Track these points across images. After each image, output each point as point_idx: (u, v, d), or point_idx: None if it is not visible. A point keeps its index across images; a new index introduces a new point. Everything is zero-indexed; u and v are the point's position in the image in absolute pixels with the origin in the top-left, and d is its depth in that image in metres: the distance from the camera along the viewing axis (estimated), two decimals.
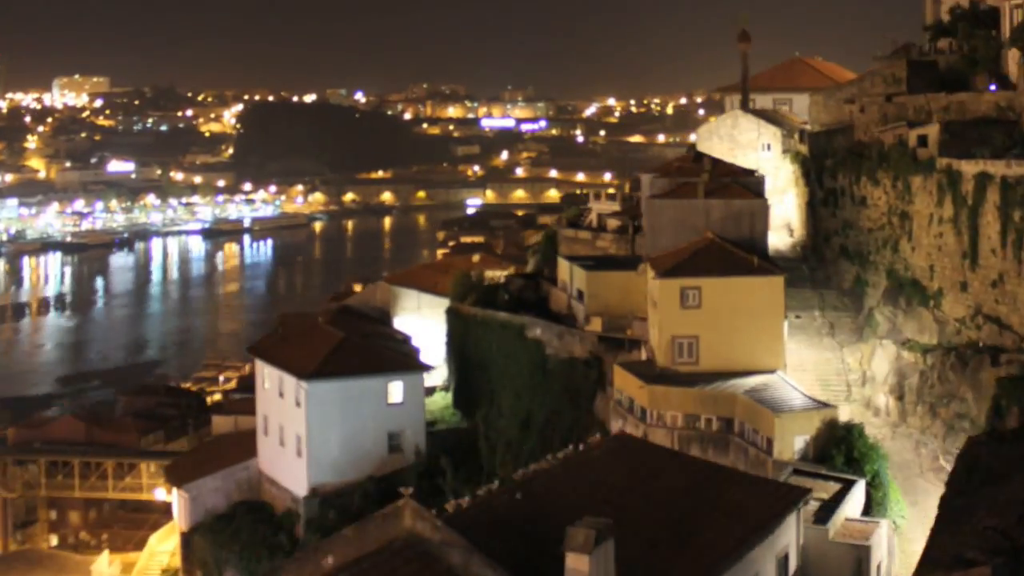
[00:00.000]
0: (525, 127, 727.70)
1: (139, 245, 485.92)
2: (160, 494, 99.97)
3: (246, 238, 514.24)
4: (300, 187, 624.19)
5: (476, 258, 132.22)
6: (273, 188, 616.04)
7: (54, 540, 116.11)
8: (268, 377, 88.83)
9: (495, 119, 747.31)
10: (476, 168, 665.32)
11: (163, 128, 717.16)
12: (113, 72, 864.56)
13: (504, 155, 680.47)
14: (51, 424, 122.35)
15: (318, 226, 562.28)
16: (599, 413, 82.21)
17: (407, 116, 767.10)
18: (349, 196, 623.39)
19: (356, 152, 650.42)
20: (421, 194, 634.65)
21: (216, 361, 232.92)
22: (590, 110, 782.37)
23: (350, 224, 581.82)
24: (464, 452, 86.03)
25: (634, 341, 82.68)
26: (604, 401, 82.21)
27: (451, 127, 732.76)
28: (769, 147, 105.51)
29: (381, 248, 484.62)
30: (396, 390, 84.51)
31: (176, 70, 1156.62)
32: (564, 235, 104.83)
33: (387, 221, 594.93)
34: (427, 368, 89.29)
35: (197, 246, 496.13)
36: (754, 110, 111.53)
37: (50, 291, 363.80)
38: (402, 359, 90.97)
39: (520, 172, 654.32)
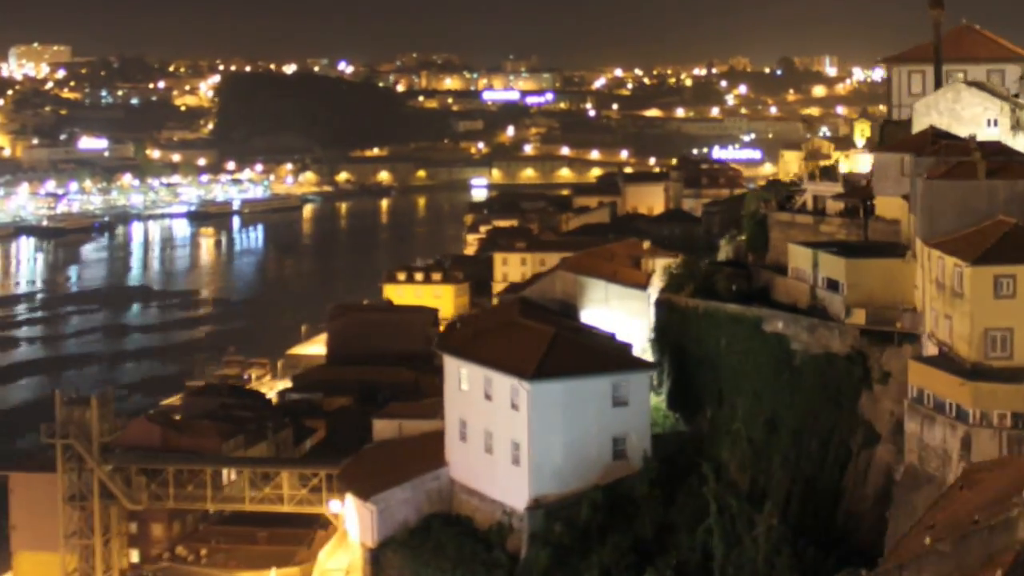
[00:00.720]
0: (531, 100, 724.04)
1: (120, 229, 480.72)
2: (335, 506, 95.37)
3: (235, 221, 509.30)
4: (289, 166, 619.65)
5: (647, 245, 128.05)
6: (259, 167, 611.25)
7: (135, 555, 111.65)
8: (467, 377, 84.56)
9: (497, 92, 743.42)
10: (480, 145, 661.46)
11: (134, 101, 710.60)
12: (74, 40, 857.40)
13: (510, 131, 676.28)
14: (126, 431, 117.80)
15: (308, 209, 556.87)
16: (865, 413, 78.60)
17: (400, 88, 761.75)
18: (343, 176, 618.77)
19: (348, 127, 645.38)
20: (421, 173, 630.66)
21: (238, 358, 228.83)
22: (600, 82, 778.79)
23: (343, 207, 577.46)
24: (689, 456, 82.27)
25: (905, 334, 78.87)
26: (871, 400, 78.44)
27: (450, 100, 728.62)
28: (995, 123, 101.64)
29: (407, 232, 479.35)
30: (622, 390, 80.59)
31: (142, 39, 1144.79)
32: (777, 219, 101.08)
33: (384, 203, 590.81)
34: (652, 366, 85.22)
35: (182, 230, 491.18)
36: (974, 83, 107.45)
37: (33, 280, 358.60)
38: (624, 356, 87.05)
39: (529, 150, 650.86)
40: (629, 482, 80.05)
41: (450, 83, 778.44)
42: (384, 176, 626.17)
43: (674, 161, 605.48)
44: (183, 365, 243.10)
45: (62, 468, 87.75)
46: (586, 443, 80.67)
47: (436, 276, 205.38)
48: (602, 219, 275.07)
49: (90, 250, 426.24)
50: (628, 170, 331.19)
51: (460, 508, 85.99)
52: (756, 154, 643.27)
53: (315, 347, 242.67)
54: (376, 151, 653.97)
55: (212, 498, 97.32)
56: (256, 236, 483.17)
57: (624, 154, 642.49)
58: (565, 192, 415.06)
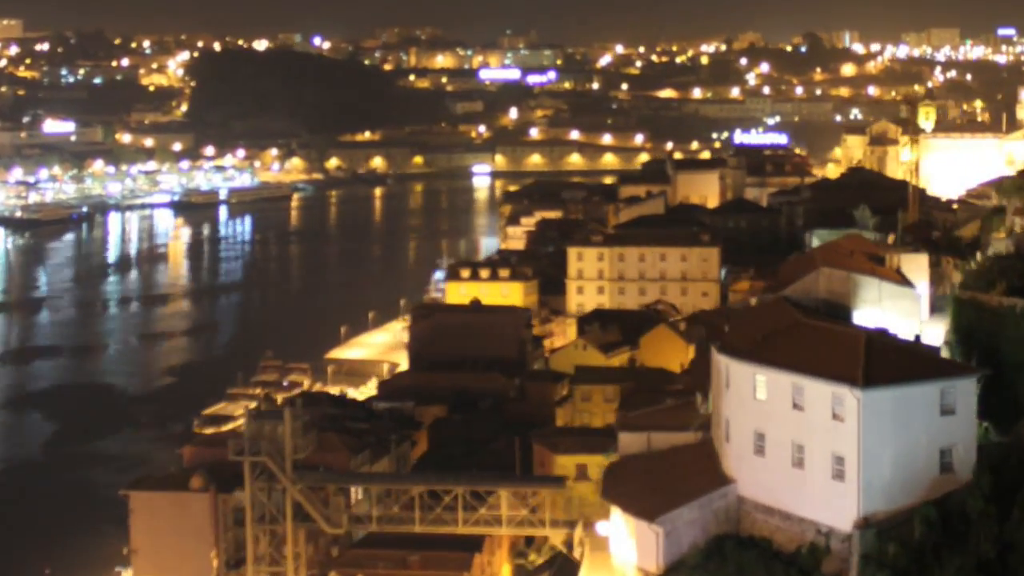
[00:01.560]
0: (532, 80, 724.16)
1: (98, 220, 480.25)
2: (602, 528, 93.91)
3: (222, 211, 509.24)
4: (274, 151, 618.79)
5: (891, 238, 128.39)
6: (241, 152, 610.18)
7: None
8: (765, 385, 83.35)
9: (494, 70, 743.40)
10: (481, 129, 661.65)
11: (97, 81, 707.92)
12: (25, 13, 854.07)
13: (513, 113, 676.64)
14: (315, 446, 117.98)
15: (296, 198, 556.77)
16: None
17: (387, 67, 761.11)
18: (333, 162, 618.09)
19: (335, 110, 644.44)
20: (417, 160, 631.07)
21: (276, 362, 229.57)
22: (605, 59, 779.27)
23: (334, 195, 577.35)
24: (1016, 469, 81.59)
25: None
26: None
27: (443, 80, 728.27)
28: None
29: (430, 224, 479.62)
30: (949, 397, 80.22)
31: (98, 12, 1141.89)
32: None
33: (378, 192, 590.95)
34: (978, 371, 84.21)
35: (165, 221, 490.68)
36: None
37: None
38: (946, 361, 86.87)
39: (535, 134, 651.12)
40: (958, 497, 79.52)
41: (442, 61, 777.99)
42: (378, 162, 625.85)
43: (717, 145, 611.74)
44: (216, 370, 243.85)
45: (250, 488, 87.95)
46: (914, 456, 79.58)
47: (503, 273, 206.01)
48: (655, 210, 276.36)
49: (70, 242, 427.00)
50: (676, 155, 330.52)
51: (752, 528, 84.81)
52: (782, 139, 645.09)
53: (357, 350, 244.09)
54: (367, 135, 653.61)
55: (421, 520, 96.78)
56: (244, 227, 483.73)
57: (639, 139, 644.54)
58: (607, 180, 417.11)
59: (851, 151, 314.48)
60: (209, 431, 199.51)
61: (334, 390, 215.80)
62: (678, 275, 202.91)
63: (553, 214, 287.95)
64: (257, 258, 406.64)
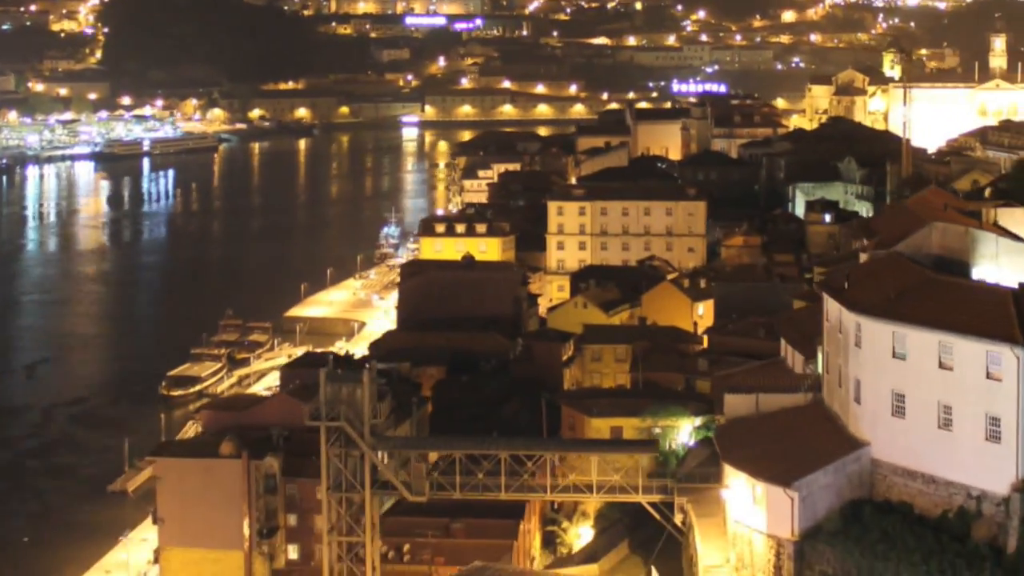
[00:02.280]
0: (459, 26, 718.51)
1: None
2: (725, 493, 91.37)
3: (145, 163, 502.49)
4: (194, 101, 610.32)
5: (988, 192, 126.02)
6: (160, 102, 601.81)
7: (292, 552, 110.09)
8: (907, 344, 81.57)
9: (420, 16, 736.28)
10: (409, 78, 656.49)
11: (5, 27, 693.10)
12: None
13: (441, 61, 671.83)
14: (258, 407, 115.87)
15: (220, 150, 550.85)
16: None
17: (307, 12, 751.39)
18: (256, 112, 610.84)
19: (257, 58, 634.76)
20: (344, 110, 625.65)
21: (236, 321, 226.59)
22: (534, 4, 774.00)
23: (255, 147, 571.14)
24: None
25: None
26: None
27: (367, 26, 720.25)
28: None
29: (371, 177, 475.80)
30: None
31: None
32: None
33: (302, 144, 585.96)
34: None
35: (86, 174, 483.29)
36: None
37: None
38: None
39: (466, 83, 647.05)
40: None
41: (364, 6, 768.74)
42: (303, 112, 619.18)
43: (654, 95, 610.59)
44: (176, 331, 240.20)
45: (326, 454, 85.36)
46: None
47: (480, 228, 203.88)
48: (619, 162, 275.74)
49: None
50: (632, 106, 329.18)
51: (889, 492, 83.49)
52: (721, 88, 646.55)
53: (315, 308, 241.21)
54: (291, 84, 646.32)
55: (507, 487, 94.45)
56: (169, 180, 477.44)
57: (573, 88, 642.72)
58: (542, 131, 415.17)
59: (816, 101, 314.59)
60: (176, 393, 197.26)
61: (300, 350, 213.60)
62: (663, 230, 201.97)
63: (510, 166, 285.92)
64: (192, 214, 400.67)
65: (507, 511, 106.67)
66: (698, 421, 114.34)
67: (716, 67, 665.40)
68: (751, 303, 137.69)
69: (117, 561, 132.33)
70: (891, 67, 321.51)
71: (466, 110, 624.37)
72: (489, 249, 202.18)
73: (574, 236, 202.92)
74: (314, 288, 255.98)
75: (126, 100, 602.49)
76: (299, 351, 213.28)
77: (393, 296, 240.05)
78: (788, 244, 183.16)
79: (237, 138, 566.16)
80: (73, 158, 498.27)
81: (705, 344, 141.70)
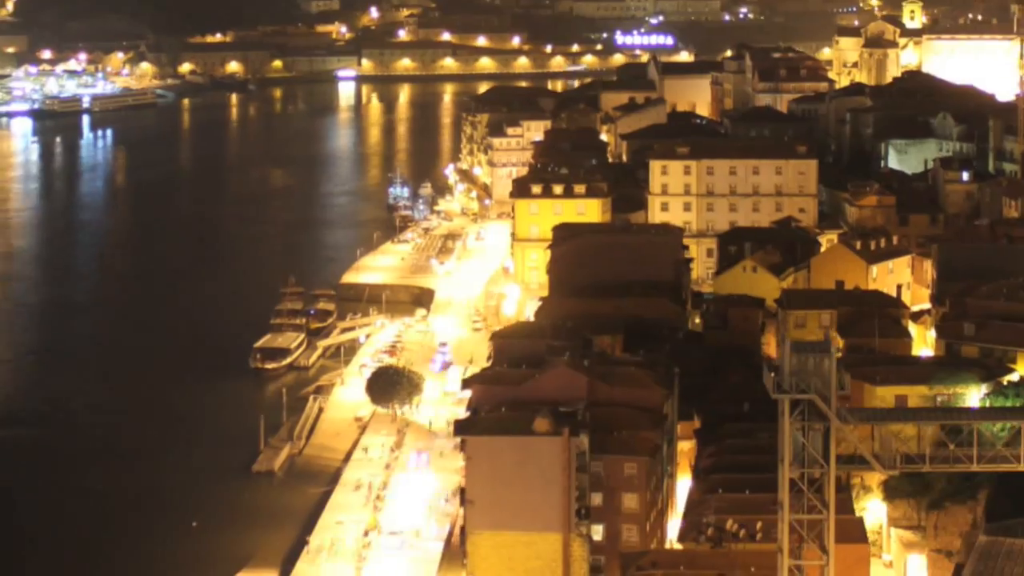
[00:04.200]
0: None
1: None
2: None
3: (85, 121, 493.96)
4: (120, 55, 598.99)
5: None
6: (83, 56, 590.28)
7: (597, 533, 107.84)
8: None
9: None
10: (343, 30, 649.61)
11: None
12: None
13: (374, 12, 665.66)
14: (534, 381, 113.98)
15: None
16: None
17: None
18: (187, 66, 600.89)
19: (182, 9, 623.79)
20: (277, 64, 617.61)
21: (297, 290, 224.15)
22: None
23: (186, 103, 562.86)
24: None
25: None
26: None
27: None
28: None
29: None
30: None
31: None
32: None
33: (234, 98, 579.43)
34: None
35: (22, 132, 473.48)
36: None
37: None
38: None
39: (403, 35, 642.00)
40: None
41: None
42: (235, 67, 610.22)
43: (599, 48, 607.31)
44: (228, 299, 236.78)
45: (788, 428, 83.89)
46: None
47: (579, 189, 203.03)
48: (657, 119, 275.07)
49: None
50: (656, 59, 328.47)
51: None
52: (667, 40, 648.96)
53: (369, 274, 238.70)
54: (219, 36, 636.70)
55: (978, 458, 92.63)
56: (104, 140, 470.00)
57: (516, 40, 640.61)
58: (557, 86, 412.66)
59: (844, 54, 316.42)
60: (271, 366, 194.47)
61: (378, 319, 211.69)
62: (772, 190, 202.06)
63: (537, 123, 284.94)
64: (181, 177, 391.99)
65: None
66: (985, 388, 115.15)
67: (661, 18, 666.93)
68: (978, 266, 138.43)
69: (319, 545, 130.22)
70: (911, 18, 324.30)
71: (405, 64, 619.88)
72: (588, 211, 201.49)
73: (679, 197, 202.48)
74: (348, 255, 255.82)
75: (47, 54, 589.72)
76: (376, 320, 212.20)
77: (451, 261, 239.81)
78: (921, 204, 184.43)
79: (173, 94, 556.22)
80: (9, 115, 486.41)
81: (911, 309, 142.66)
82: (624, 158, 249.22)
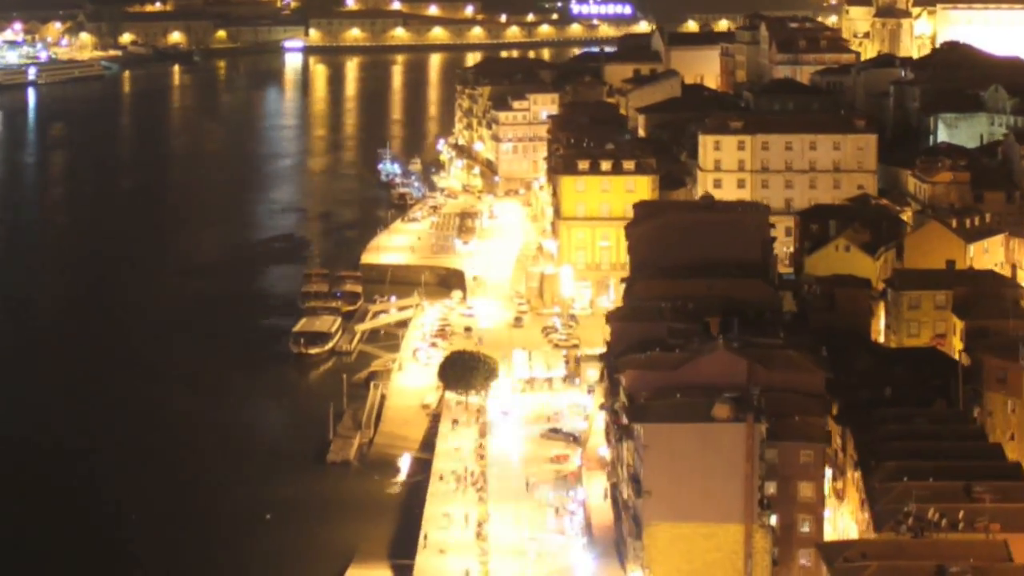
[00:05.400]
0: None
1: None
2: None
3: (30, 93, 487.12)
4: (58, 25, 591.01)
5: None
6: (19, 25, 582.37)
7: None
8: None
9: None
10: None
11: None
12: None
13: None
14: (692, 365, 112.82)
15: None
16: None
17: None
18: (127, 37, 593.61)
19: None
20: (221, 34, 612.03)
21: (322, 271, 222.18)
22: None
23: (126, 75, 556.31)
24: None
25: None
26: None
27: None
28: None
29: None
30: None
31: None
32: None
33: (172, 71, 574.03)
34: None
35: None
36: None
37: None
38: None
39: (352, 3, 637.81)
40: None
41: None
42: (177, 37, 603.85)
43: (554, 16, 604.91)
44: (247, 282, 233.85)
45: None
46: None
47: (628, 165, 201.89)
48: (671, 92, 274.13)
49: None
50: (662, 30, 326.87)
51: None
52: (626, 9, 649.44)
53: (392, 255, 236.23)
54: (159, 6, 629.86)
55: None
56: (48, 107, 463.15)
57: (470, 9, 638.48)
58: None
59: (855, 24, 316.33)
60: (314, 350, 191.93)
61: (410, 300, 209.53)
62: (830, 165, 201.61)
63: (542, 96, 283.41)
64: (166, 154, 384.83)
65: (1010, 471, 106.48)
66: None
67: None
68: None
69: (437, 541, 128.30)
70: None
71: (355, 34, 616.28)
72: (638, 188, 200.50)
73: (732, 173, 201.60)
74: (353, 235, 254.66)
75: None
76: (409, 302, 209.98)
77: (474, 242, 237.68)
78: (995, 180, 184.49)
79: (117, 66, 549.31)
80: None
81: None
82: (641, 132, 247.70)
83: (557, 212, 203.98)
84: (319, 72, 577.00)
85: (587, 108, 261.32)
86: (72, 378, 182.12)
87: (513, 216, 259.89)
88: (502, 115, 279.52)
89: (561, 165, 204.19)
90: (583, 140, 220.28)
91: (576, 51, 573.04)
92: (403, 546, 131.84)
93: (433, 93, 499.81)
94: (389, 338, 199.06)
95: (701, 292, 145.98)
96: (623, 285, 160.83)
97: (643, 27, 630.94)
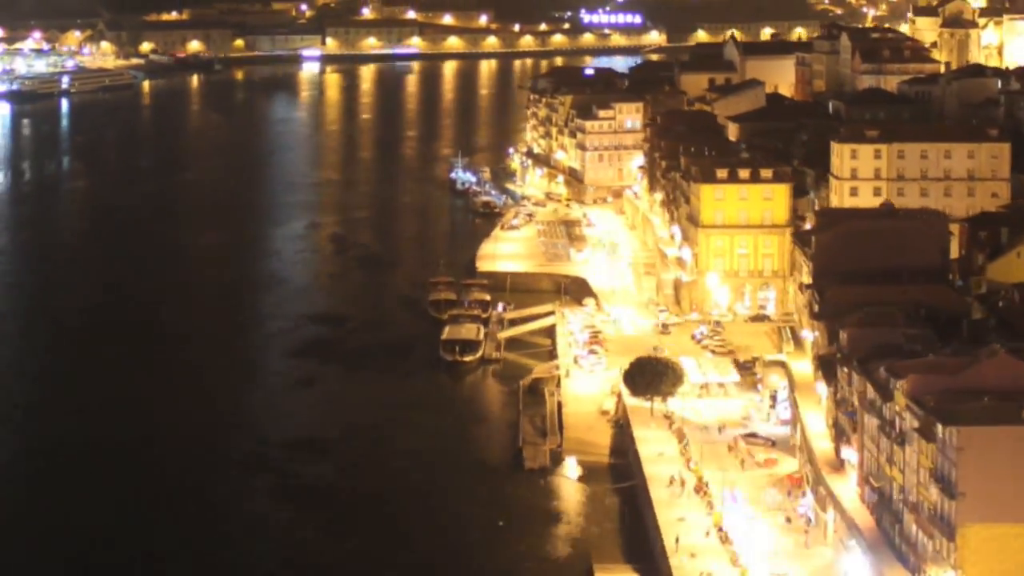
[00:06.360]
0: None
1: None
2: None
3: (63, 102, 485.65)
4: (77, 33, 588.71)
5: None
6: (38, 34, 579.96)
7: None
8: None
9: None
10: (303, 8, 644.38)
11: None
12: None
13: None
14: (973, 369, 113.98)
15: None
16: None
17: None
18: (146, 45, 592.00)
19: None
20: (239, 43, 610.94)
21: (446, 279, 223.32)
22: None
23: (149, 84, 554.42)
24: None
25: None
26: None
27: None
28: None
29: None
30: None
31: None
32: None
33: (192, 80, 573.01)
34: None
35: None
36: None
37: None
38: None
39: (367, 13, 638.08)
40: None
41: None
42: (196, 46, 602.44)
43: (566, 26, 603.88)
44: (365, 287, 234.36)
45: None
46: None
47: (765, 173, 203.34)
48: (756, 102, 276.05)
49: None
50: (735, 39, 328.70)
51: None
52: (636, 19, 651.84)
53: (505, 263, 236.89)
54: (175, 14, 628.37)
55: None
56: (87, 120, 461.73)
57: (483, 19, 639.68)
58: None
59: (922, 35, 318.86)
60: (468, 358, 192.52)
61: (543, 308, 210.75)
62: (963, 174, 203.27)
63: (628, 106, 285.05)
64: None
65: None
66: None
67: None
68: None
69: (687, 545, 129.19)
70: None
71: (371, 43, 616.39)
72: (776, 196, 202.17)
73: (868, 181, 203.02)
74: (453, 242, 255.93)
75: None
76: (539, 309, 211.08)
77: (588, 249, 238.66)
78: None
79: (143, 74, 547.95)
80: None
81: None
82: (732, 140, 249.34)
83: (693, 220, 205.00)
84: (332, 81, 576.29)
85: (684, 116, 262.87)
86: (211, 398, 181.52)
87: (608, 224, 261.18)
88: (588, 124, 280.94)
89: (700, 174, 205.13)
90: (680, 148, 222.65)
91: (589, 59, 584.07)
92: (637, 550, 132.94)
93: (478, 99, 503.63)
94: (526, 346, 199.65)
95: (896, 298, 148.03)
96: (807, 291, 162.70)
97: (653, 37, 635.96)
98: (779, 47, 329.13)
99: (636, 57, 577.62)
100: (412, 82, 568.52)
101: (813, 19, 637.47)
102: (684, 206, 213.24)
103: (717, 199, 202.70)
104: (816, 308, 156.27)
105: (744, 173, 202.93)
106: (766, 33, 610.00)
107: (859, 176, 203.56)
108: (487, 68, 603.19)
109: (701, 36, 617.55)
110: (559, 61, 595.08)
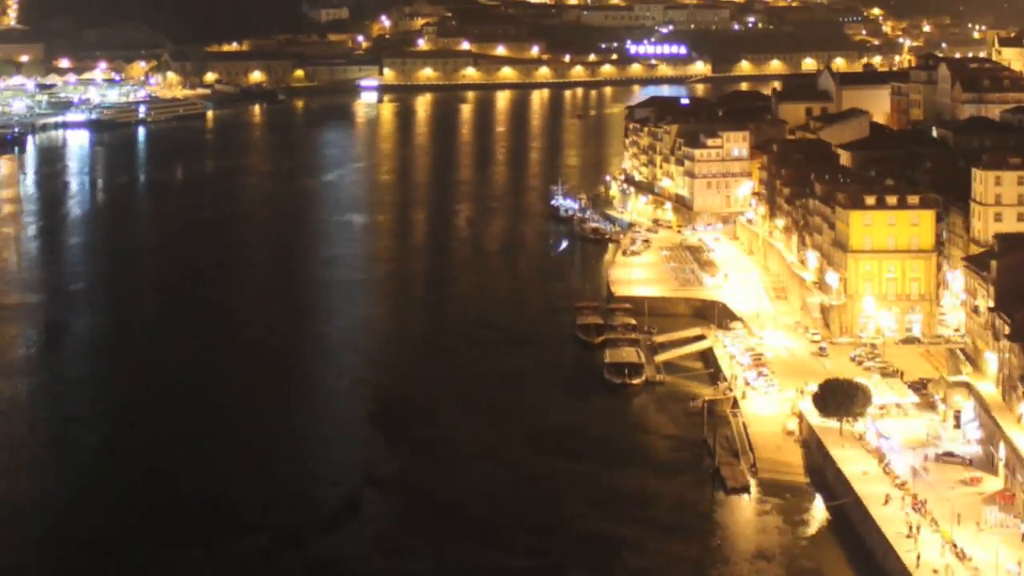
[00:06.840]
0: None
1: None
2: None
3: (140, 131, 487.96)
4: (142, 64, 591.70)
5: None
6: (103, 65, 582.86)
7: None
8: None
9: None
10: (359, 39, 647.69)
11: None
12: None
13: (384, 21, 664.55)
14: None
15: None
16: None
17: None
18: (210, 76, 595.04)
19: (196, 17, 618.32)
20: (299, 73, 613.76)
21: (592, 304, 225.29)
22: None
23: (215, 113, 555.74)
24: None
25: None
26: None
27: None
28: None
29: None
30: None
31: None
32: None
33: (257, 109, 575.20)
34: None
35: (80, 142, 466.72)
36: None
37: None
38: None
39: (423, 44, 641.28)
40: None
41: None
42: (258, 76, 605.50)
43: (614, 57, 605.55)
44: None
45: None
46: None
47: (912, 200, 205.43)
48: (860, 131, 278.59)
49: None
50: (830, 69, 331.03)
51: None
52: (681, 49, 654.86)
53: (638, 288, 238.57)
54: (235, 46, 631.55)
55: None
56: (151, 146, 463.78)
57: (535, 50, 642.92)
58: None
59: (1010, 65, 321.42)
60: (636, 381, 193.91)
61: (689, 332, 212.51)
62: None
63: (736, 135, 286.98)
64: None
65: None
66: None
67: (671, 27, 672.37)
68: None
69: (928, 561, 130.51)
70: None
71: (427, 73, 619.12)
72: (922, 222, 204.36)
73: (1013, 207, 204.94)
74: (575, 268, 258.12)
75: (64, 63, 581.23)
76: (688, 333, 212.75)
77: (720, 274, 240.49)
78: None
79: (213, 104, 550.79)
80: (67, 126, 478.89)
81: None
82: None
83: (841, 245, 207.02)
84: (389, 109, 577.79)
85: (800, 146, 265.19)
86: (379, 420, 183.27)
87: (724, 250, 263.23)
88: (697, 152, 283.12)
89: (848, 200, 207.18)
90: (813, 175, 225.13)
91: (637, 89, 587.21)
92: (865, 567, 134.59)
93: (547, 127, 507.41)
94: (680, 369, 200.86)
95: None
96: (991, 314, 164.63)
97: (699, 67, 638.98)
98: (874, 77, 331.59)
99: (681, 86, 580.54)
100: (466, 111, 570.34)
101: (852, 49, 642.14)
102: (828, 232, 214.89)
103: (865, 224, 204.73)
104: (1007, 330, 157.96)
105: (892, 199, 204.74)
106: (808, 63, 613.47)
107: (1003, 202, 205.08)
108: (538, 97, 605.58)
109: (745, 67, 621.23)
110: (608, 91, 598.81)
